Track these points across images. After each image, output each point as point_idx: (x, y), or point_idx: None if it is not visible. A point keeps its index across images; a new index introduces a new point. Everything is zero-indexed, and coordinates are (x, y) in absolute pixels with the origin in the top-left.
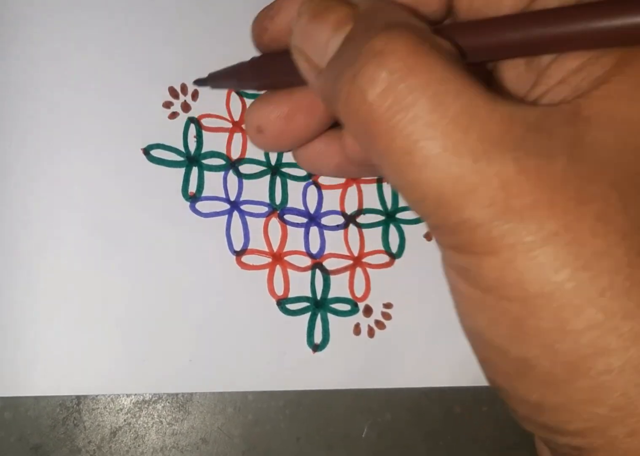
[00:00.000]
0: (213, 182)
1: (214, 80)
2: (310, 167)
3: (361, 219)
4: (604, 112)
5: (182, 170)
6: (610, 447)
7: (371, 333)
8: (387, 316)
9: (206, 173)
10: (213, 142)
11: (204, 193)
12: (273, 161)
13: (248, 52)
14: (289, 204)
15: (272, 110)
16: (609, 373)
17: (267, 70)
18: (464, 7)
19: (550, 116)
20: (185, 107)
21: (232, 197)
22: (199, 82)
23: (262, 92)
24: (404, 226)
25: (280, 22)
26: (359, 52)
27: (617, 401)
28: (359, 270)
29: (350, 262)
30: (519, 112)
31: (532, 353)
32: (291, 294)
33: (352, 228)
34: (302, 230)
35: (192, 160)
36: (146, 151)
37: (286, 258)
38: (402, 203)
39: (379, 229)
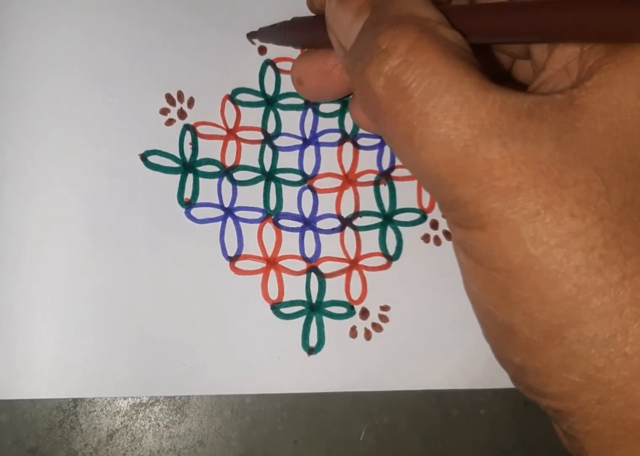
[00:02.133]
0: (208, 189)
1: (263, 33)
2: (364, 124)
3: (357, 221)
4: (596, 101)
5: (178, 176)
6: (582, 412)
7: (368, 336)
8: (384, 319)
9: (201, 180)
10: (208, 149)
11: (199, 199)
12: (267, 167)
13: (245, 60)
14: (284, 209)
15: (312, 64)
16: (580, 343)
17: (309, 30)
18: None
19: (543, 103)
20: (182, 114)
21: (227, 204)
22: (251, 34)
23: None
24: (401, 228)
25: None
26: (368, 48)
27: (587, 369)
28: (355, 273)
29: (347, 265)
30: (512, 99)
31: (515, 319)
32: (285, 299)
33: (348, 230)
34: (297, 234)
35: (188, 167)
36: (144, 157)
37: (280, 263)
38: (400, 205)
39: (376, 231)
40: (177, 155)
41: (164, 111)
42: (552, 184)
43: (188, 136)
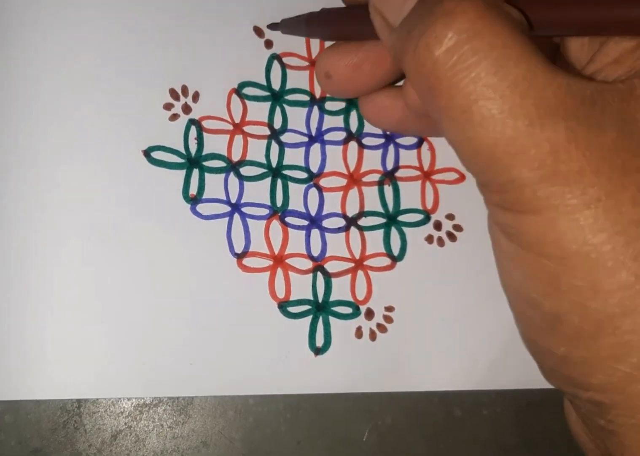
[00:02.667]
0: (214, 184)
1: (286, 26)
2: (373, 119)
3: (362, 221)
4: None
5: (183, 172)
6: (629, 403)
7: (373, 336)
8: (388, 320)
9: (207, 175)
10: (214, 144)
11: (205, 195)
12: (274, 163)
13: (251, 54)
14: (290, 207)
15: (341, 58)
16: (634, 333)
17: (340, 22)
18: None
19: (605, 91)
20: (186, 109)
21: (233, 200)
22: (272, 26)
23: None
24: (405, 229)
25: None
26: (431, 11)
27: (639, 360)
28: (360, 273)
29: (352, 265)
30: (576, 84)
31: (564, 308)
32: (292, 297)
33: (353, 230)
34: (303, 233)
35: (193, 162)
36: (147, 153)
37: (287, 261)
38: (403, 206)
39: (381, 231)
40: (182, 150)
41: (168, 106)
42: (615, 171)
43: (193, 130)
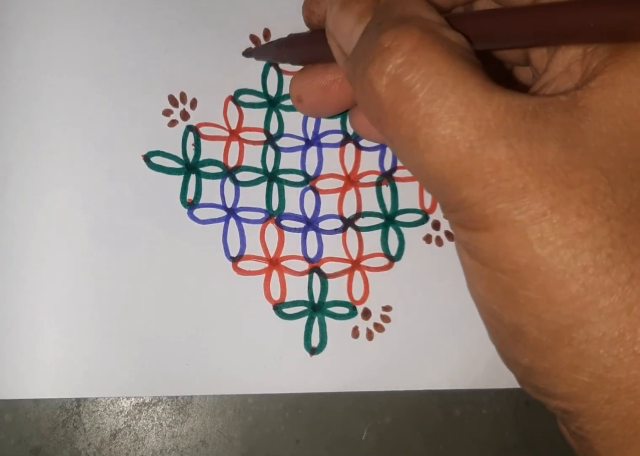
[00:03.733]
0: (210, 189)
1: (258, 52)
2: (363, 132)
3: (360, 222)
4: (600, 102)
5: (181, 177)
6: (592, 412)
7: (370, 336)
8: (386, 319)
9: (204, 181)
10: (211, 150)
11: (202, 200)
12: (270, 168)
13: (248, 61)
14: (286, 210)
15: (310, 82)
16: (589, 343)
17: (306, 45)
18: None
19: (548, 105)
20: (184, 115)
21: (229, 204)
22: (247, 53)
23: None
24: (403, 229)
25: (324, 5)
26: (370, 47)
27: (596, 369)
28: (357, 273)
29: (349, 265)
30: (516, 101)
31: (522, 320)
32: (288, 299)
33: (350, 231)
34: (299, 235)
35: (191, 167)
36: (147, 158)
37: (283, 263)
38: (401, 206)
39: (378, 232)
40: (180, 156)
41: (167, 112)
42: (559, 184)
43: (191, 137)
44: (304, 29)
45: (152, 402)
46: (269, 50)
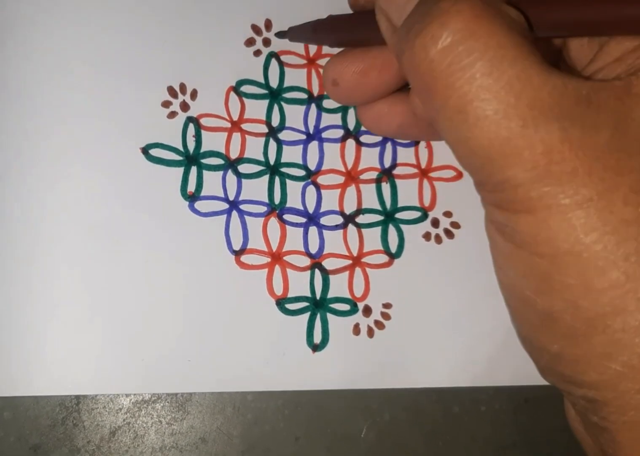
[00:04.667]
0: (212, 181)
1: (294, 33)
2: (373, 126)
3: (360, 219)
4: None
5: (181, 169)
6: (620, 401)
7: (370, 333)
8: (386, 316)
9: (205, 173)
10: (212, 141)
11: (203, 193)
12: (272, 161)
13: (249, 51)
14: (288, 204)
15: (348, 65)
16: (625, 332)
17: (347, 28)
18: None
19: (601, 90)
20: (184, 106)
21: (231, 197)
22: (280, 34)
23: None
24: (403, 226)
25: None
26: (428, 12)
27: (630, 358)
28: (358, 270)
29: (350, 262)
30: (572, 84)
31: (556, 306)
32: (290, 294)
33: (351, 227)
34: (301, 230)
35: (191, 159)
36: (145, 150)
37: (285, 258)
38: (401, 203)
39: (378, 229)
40: (180, 148)
41: (166, 104)
42: (608, 171)
43: (191, 128)
44: (305, 18)
45: (152, 399)
46: (305, 33)
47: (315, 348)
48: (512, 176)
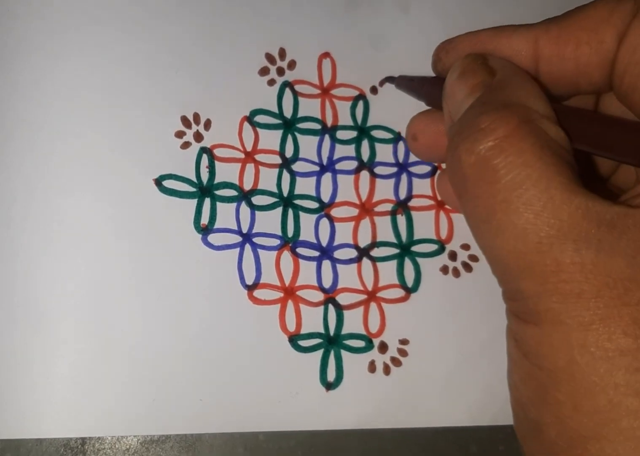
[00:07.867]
0: (225, 213)
1: (400, 82)
2: (446, 199)
3: (375, 252)
4: None
5: (195, 201)
6: None
7: (387, 371)
8: (403, 353)
9: (218, 204)
10: (225, 172)
11: (216, 225)
12: (285, 193)
13: (263, 81)
14: (301, 237)
15: (429, 123)
16: None
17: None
18: (623, 84)
19: (627, 217)
20: (198, 137)
21: (245, 230)
22: (388, 79)
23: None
24: (419, 260)
25: (452, 57)
26: (468, 124)
27: None
28: (373, 305)
29: (364, 297)
30: (596, 207)
31: (545, 419)
32: (303, 331)
33: (365, 261)
34: (314, 264)
35: (205, 191)
36: (158, 182)
37: (298, 293)
38: (417, 235)
39: (394, 262)
40: (194, 179)
41: (180, 134)
42: (614, 299)
43: (205, 159)
44: (319, 48)
45: (160, 439)
46: (409, 85)
47: (329, 386)
48: (525, 288)
